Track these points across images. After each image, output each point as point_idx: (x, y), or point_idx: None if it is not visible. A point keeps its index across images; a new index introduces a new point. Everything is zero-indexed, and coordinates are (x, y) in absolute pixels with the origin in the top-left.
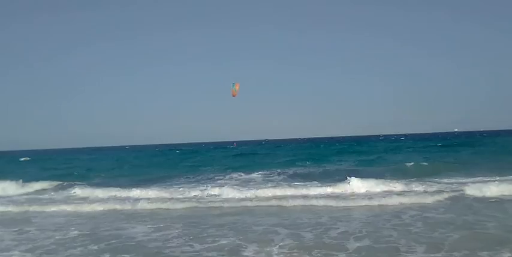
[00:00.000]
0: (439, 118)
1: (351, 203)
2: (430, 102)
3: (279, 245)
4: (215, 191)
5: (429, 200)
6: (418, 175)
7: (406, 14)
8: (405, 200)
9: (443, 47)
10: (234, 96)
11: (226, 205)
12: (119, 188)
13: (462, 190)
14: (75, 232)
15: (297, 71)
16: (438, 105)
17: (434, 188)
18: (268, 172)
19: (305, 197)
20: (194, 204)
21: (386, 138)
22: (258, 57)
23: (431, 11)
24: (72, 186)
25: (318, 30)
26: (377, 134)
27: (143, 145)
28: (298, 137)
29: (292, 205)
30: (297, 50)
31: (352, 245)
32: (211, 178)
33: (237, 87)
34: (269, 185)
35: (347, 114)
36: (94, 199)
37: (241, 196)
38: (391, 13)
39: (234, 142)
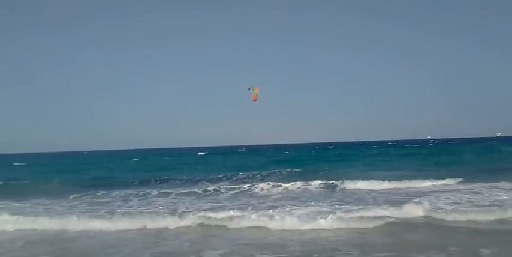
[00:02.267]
0: (412, 125)
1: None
2: (404, 110)
3: None
4: None
5: (370, 225)
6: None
7: (377, 24)
8: (342, 224)
9: (416, 58)
10: (254, 101)
11: None
12: None
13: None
14: None
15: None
16: (412, 113)
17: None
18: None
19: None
20: None
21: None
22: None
23: (403, 22)
24: None
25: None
26: (353, 140)
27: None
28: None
29: None
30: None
31: None
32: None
33: (257, 91)
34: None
35: (325, 121)
36: None
37: None
38: (362, 23)
39: (243, 146)
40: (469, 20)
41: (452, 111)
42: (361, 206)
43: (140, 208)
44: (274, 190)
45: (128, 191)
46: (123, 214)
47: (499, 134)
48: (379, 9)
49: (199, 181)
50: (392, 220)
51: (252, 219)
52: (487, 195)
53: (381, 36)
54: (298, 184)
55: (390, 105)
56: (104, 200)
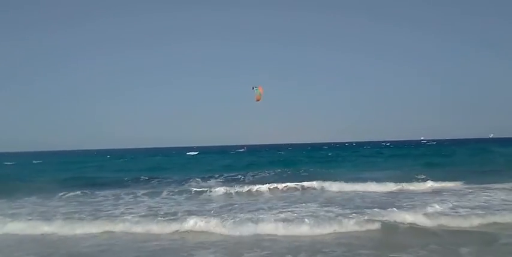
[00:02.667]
0: (406, 126)
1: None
2: (399, 111)
3: None
4: None
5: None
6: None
7: (374, 25)
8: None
9: (409, 59)
10: (258, 100)
11: None
12: None
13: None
14: None
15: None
16: (406, 114)
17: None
18: None
19: None
20: None
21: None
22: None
23: (399, 23)
24: None
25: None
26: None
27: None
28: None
29: None
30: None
31: None
32: None
33: (261, 91)
34: None
35: (323, 122)
36: None
37: None
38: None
39: (244, 146)
40: (464, 20)
41: (446, 113)
42: (349, 209)
43: (124, 209)
44: (263, 191)
45: (112, 192)
46: (108, 216)
47: (491, 136)
48: (375, 10)
49: (185, 181)
50: (380, 222)
51: (238, 222)
52: (476, 197)
53: (379, 38)
54: (287, 185)
55: (385, 107)
56: (88, 200)
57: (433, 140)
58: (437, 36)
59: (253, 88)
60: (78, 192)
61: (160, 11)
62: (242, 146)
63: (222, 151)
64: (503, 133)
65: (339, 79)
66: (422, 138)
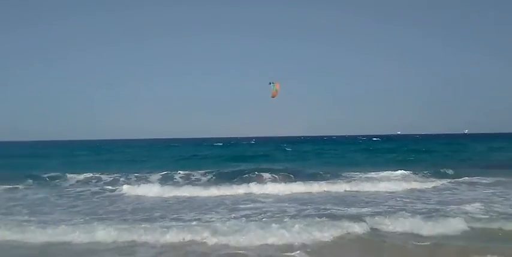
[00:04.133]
0: (383, 121)
1: None
2: (377, 105)
3: None
4: None
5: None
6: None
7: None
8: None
9: (389, 55)
10: (274, 96)
11: None
12: None
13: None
14: None
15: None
16: (384, 109)
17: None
18: None
19: None
20: None
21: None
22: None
23: (388, 18)
24: None
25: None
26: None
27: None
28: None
29: None
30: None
31: None
32: None
33: (278, 87)
34: None
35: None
36: None
37: None
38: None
39: (254, 138)
40: (447, 19)
41: (422, 108)
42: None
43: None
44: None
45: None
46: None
47: (466, 131)
48: (362, 6)
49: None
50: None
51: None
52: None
53: (369, 35)
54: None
55: (362, 102)
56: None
57: (409, 135)
58: (420, 35)
59: (270, 83)
60: None
61: (166, 4)
62: (252, 138)
63: (203, 142)
64: (477, 128)
65: (322, 74)
66: (398, 132)
